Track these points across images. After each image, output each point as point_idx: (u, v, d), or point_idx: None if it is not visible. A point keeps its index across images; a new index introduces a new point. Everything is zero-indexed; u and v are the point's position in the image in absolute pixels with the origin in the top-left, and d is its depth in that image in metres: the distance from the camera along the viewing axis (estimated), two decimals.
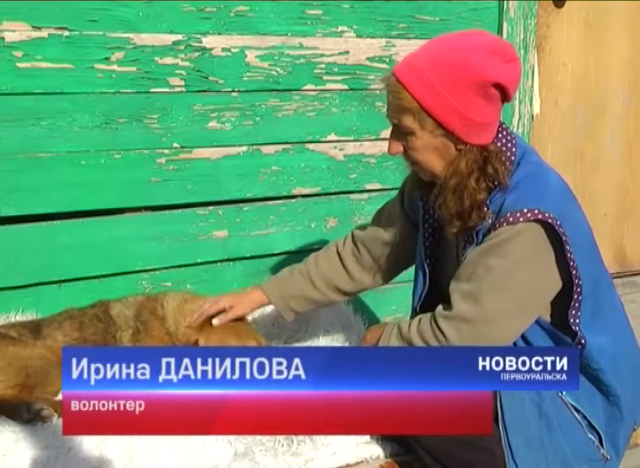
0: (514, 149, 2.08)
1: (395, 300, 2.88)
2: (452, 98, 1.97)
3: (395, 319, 3.00)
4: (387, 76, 2.07)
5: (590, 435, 2.09)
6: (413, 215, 2.35)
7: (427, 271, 2.26)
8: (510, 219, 1.98)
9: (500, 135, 2.08)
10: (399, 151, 2.09)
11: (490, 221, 2.04)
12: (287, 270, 2.53)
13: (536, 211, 1.96)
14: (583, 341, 2.04)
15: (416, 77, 1.99)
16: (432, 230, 2.26)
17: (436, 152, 2.04)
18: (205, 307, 2.43)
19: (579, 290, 2.01)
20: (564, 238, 1.96)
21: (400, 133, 2.06)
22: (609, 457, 2.11)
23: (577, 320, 2.03)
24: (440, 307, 2.08)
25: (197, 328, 2.42)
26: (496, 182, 2.03)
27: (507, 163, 2.05)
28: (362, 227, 2.53)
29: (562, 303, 2.05)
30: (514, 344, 2.06)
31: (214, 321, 2.40)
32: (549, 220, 1.95)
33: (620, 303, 2.22)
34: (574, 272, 1.99)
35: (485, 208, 2.04)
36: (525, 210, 1.97)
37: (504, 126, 2.11)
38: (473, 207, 2.03)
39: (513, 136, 2.11)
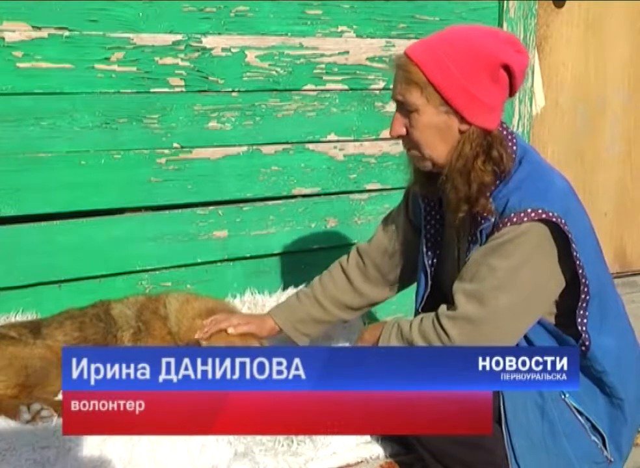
0: (515, 148, 2.08)
1: (395, 300, 2.87)
2: (460, 74, 1.98)
3: (396, 319, 2.99)
4: (397, 55, 2.08)
5: (593, 438, 2.09)
6: (416, 222, 2.34)
7: (429, 272, 2.26)
8: (515, 219, 1.97)
9: (501, 129, 2.08)
10: (402, 132, 2.08)
11: (493, 219, 2.04)
12: (293, 295, 2.51)
13: (540, 211, 1.96)
14: (587, 343, 2.03)
15: (427, 53, 2.00)
16: (433, 231, 2.25)
17: (438, 132, 2.03)
18: (219, 318, 2.39)
19: (586, 289, 2.00)
20: (569, 236, 1.96)
21: (404, 111, 2.06)
22: (612, 459, 2.11)
23: (585, 320, 2.02)
24: (443, 307, 2.07)
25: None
26: (501, 168, 2.03)
27: (510, 151, 2.06)
28: (366, 241, 2.52)
29: (570, 303, 2.05)
30: (517, 345, 2.05)
31: (230, 330, 2.35)
32: (554, 219, 1.95)
33: (622, 304, 2.21)
34: (581, 270, 1.98)
35: (490, 202, 2.04)
36: (529, 210, 1.96)
37: (505, 125, 2.12)
38: (480, 191, 2.02)
39: (514, 135, 2.12)
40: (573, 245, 1.97)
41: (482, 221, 2.05)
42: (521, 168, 2.06)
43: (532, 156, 2.10)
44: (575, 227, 1.99)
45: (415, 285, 2.37)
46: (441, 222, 2.24)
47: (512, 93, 2.08)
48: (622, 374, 2.10)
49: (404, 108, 2.06)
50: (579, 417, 2.08)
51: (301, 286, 3.00)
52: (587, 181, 4.06)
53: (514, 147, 2.08)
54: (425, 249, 2.26)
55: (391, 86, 2.09)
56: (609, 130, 4.09)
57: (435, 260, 2.27)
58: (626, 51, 4.05)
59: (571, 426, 2.07)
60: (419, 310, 2.28)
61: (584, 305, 2.02)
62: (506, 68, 2.00)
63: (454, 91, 1.99)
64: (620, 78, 4.06)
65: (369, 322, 2.80)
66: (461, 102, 2.00)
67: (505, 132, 2.09)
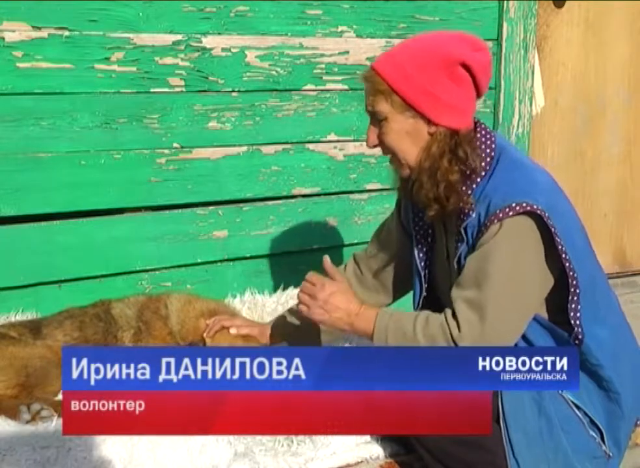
0: (493, 146, 2.11)
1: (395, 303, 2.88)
2: (420, 77, 2.03)
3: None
4: (365, 69, 2.16)
5: (591, 432, 2.09)
6: (409, 227, 2.34)
7: (422, 275, 2.26)
8: (500, 215, 1.99)
9: (478, 132, 2.11)
10: (376, 142, 2.13)
11: (474, 215, 2.05)
12: (293, 305, 2.50)
13: (524, 204, 1.97)
14: (580, 337, 2.04)
15: (388, 62, 2.07)
16: (423, 232, 2.26)
17: (408, 137, 2.07)
18: (222, 318, 2.42)
19: (575, 283, 2.01)
20: (553, 229, 1.97)
21: (375, 121, 2.11)
22: (611, 454, 2.11)
23: (578, 314, 2.03)
24: (450, 315, 2.03)
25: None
26: (468, 166, 2.05)
27: (479, 151, 2.08)
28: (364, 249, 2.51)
29: (562, 298, 2.05)
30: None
31: (232, 330, 2.38)
32: (538, 211, 1.97)
33: (617, 301, 2.22)
34: (567, 264, 1.99)
35: (467, 195, 2.05)
36: (514, 204, 1.98)
37: (483, 126, 2.14)
38: (448, 189, 2.05)
39: (492, 134, 2.14)
40: (557, 238, 1.98)
41: (465, 217, 2.07)
42: (501, 167, 2.08)
43: (511, 155, 2.12)
44: (561, 222, 2.00)
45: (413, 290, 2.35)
46: (430, 224, 2.25)
47: (479, 91, 2.10)
48: (618, 368, 2.11)
49: (376, 118, 2.11)
50: (577, 412, 2.08)
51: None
52: (587, 182, 4.06)
53: (493, 146, 2.11)
54: (416, 252, 2.26)
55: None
56: (609, 130, 4.09)
57: (428, 263, 2.27)
58: (626, 51, 4.05)
59: (569, 421, 2.07)
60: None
61: (575, 298, 2.02)
62: (465, 66, 2.04)
63: (416, 95, 2.04)
64: (620, 78, 4.06)
65: None
66: (424, 105, 2.04)
67: (482, 132, 2.12)
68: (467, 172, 2.06)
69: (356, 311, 2.11)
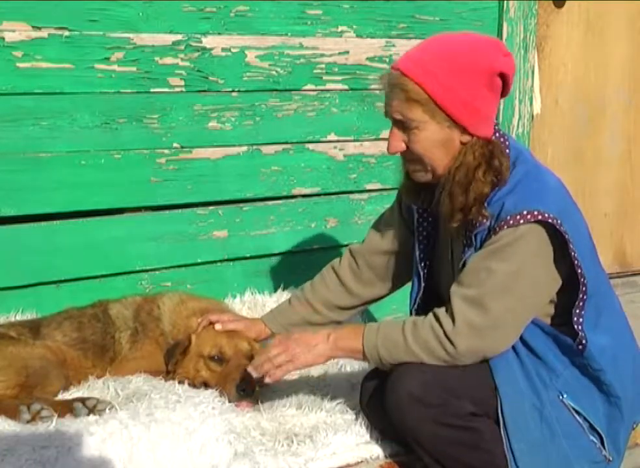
0: (507, 151, 2.08)
1: (395, 300, 2.86)
2: (460, 88, 1.98)
3: (396, 319, 2.98)
4: (387, 73, 2.06)
5: (591, 437, 2.09)
6: (410, 220, 2.33)
7: (421, 275, 2.25)
8: (511, 221, 1.97)
9: (496, 135, 2.09)
10: (402, 148, 2.08)
11: (487, 223, 2.03)
12: (285, 301, 2.52)
13: (536, 212, 1.96)
14: (584, 342, 2.03)
15: (422, 69, 2.00)
16: (426, 233, 2.25)
17: (440, 146, 2.04)
18: (211, 315, 2.44)
19: (584, 289, 2.00)
20: (566, 236, 1.96)
21: (403, 128, 2.05)
22: (611, 458, 2.11)
23: (581, 319, 2.02)
24: (441, 313, 2.03)
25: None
26: (498, 177, 2.03)
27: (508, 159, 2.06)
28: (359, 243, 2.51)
29: (567, 302, 2.04)
30: (514, 348, 2.05)
31: (217, 326, 2.40)
32: (550, 220, 1.95)
33: (619, 302, 2.21)
34: (579, 270, 1.98)
35: (484, 208, 2.03)
36: (525, 212, 1.96)
37: (497, 127, 2.12)
38: (477, 201, 2.02)
39: (507, 137, 2.12)
40: (571, 245, 1.97)
41: (478, 225, 2.05)
42: (515, 170, 2.06)
43: (525, 157, 2.11)
44: (570, 226, 1.99)
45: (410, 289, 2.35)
46: (433, 225, 2.24)
47: (504, 96, 2.09)
48: (618, 372, 2.10)
49: (403, 125, 2.05)
50: (577, 417, 2.07)
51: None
52: (587, 182, 4.06)
53: (507, 150, 2.08)
54: (417, 253, 2.26)
55: (384, 103, 2.07)
56: (609, 130, 4.09)
57: (428, 263, 2.26)
58: (626, 51, 4.05)
59: (569, 427, 2.07)
60: (412, 312, 2.27)
61: (581, 304, 2.02)
62: (502, 75, 2.02)
63: (457, 107, 2.00)
64: (620, 78, 4.06)
65: (369, 321, 2.80)
66: (465, 116, 2.01)
67: (497, 134, 2.09)
68: (496, 183, 2.03)
69: (328, 333, 2.11)
